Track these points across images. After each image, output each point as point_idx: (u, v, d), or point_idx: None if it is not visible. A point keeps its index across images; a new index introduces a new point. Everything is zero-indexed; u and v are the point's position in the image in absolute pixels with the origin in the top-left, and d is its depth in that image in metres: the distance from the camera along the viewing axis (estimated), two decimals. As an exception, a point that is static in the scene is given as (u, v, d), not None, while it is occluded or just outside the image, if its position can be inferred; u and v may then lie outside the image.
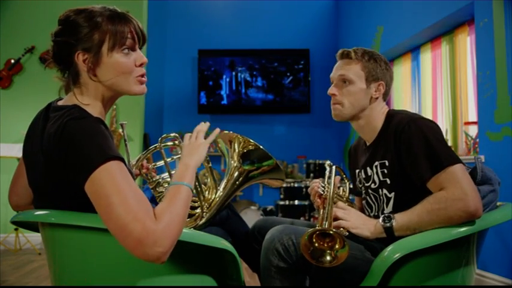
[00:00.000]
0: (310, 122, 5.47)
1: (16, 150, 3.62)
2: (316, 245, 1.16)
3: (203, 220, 1.39)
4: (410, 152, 1.27)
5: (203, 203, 1.39)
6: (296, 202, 4.58)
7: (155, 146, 1.41)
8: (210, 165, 1.42)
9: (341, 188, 1.57)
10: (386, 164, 1.37)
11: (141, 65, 1.12)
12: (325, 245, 1.17)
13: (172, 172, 1.38)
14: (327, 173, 1.50)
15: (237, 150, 1.48)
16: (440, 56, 3.71)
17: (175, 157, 1.48)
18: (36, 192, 1.14)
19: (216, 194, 1.45)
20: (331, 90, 1.46)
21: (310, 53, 5.41)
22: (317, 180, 1.47)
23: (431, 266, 1.21)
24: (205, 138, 1.23)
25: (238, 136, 1.48)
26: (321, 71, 5.46)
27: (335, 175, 1.48)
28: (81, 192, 0.96)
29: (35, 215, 1.11)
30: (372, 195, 1.44)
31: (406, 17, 3.86)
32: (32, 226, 1.24)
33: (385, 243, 1.23)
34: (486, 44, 2.83)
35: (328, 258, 1.15)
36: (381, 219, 1.25)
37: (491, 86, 2.78)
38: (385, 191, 1.38)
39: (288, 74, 5.37)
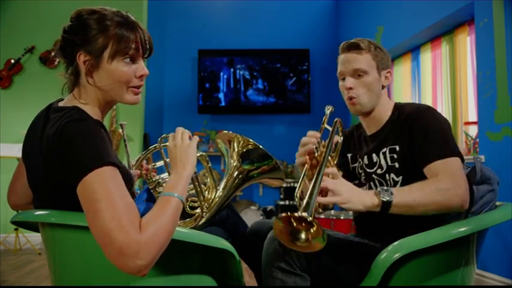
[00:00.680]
0: (310, 122, 5.47)
1: (16, 150, 3.62)
2: (295, 225, 1.07)
3: (203, 220, 1.39)
4: (426, 133, 1.30)
5: (203, 203, 1.39)
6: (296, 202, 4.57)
7: (155, 146, 1.41)
8: (210, 165, 1.42)
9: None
10: (397, 149, 1.38)
11: (141, 76, 1.11)
12: (304, 224, 1.08)
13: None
14: (326, 125, 1.35)
15: (236, 150, 1.48)
16: (440, 56, 3.71)
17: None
18: (35, 192, 1.14)
19: (215, 194, 1.45)
20: (348, 83, 1.42)
21: (310, 53, 5.40)
22: (315, 133, 1.31)
23: (431, 266, 1.21)
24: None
25: (238, 136, 1.48)
26: (321, 71, 5.47)
27: (335, 133, 1.35)
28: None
29: (35, 215, 1.11)
30: (376, 181, 1.44)
31: (406, 17, 3.86)
32: (32, 226, 1.24)
33: (384, 243, 1.23)
34: (486, 44, 2.83)
35: (303, 236, 1.08)
36: (380, 191, 1.18)
37: (491, 86, 2.78)
38: (392, 175, 1.39)
39: (291, 74, 5.34)
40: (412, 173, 1.32)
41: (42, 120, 1.10)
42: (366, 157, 1.48)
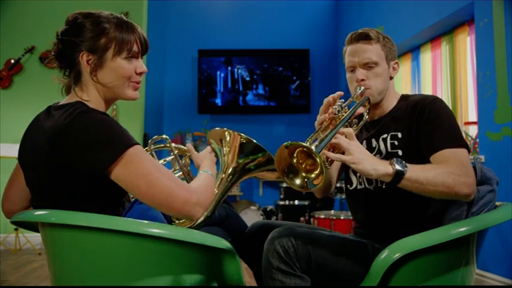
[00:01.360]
0: (310, 122, 5.45)
1: (16, 150, 3.60)
2: (295, 160, 1.07)
3: (201, 219, 1.38)
4: (435, 122, 1.29)
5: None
6: (296, 202, 4.57)
7: (145, 149, 1.40)
8: None
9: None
10: (399, 136, 1.37)
11: (140, 73, 1.18)
12: (304, 166, 1.08)
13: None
14: (355, 96, 1.33)
15: (227, 146, 1.47)
16: (440, 56, 3.71)
17: (168, 158, 1.51)
18: (34, 191, 1.14)
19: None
20: (360, 75, 1.38)
21: (310, 53, 5.40)
22: (339, 96, 1.30)
23: (431, 266, 1.21)
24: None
25: (228, 130, 1.46)
26: (321, 71, 5.47)
27: (360, 104, 1.32)
28: (84, 185, 1.01)
29: (35, 215, 1.11)
30: None
31: (406, 17, 3.86)
32: (32, 226, 1.24)
33: (385, 243, 1.23)
34: (486, 44, 2.83)
35: (298, 181, 1.09)
36: (394, 160, 1.16)
37: (491, 86, 2.78)
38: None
39: (295, 78, 5.31)
40: (416, 161, 1.28)
41: (42, 120, 1.11)
42: (364, 142, 1.47)
